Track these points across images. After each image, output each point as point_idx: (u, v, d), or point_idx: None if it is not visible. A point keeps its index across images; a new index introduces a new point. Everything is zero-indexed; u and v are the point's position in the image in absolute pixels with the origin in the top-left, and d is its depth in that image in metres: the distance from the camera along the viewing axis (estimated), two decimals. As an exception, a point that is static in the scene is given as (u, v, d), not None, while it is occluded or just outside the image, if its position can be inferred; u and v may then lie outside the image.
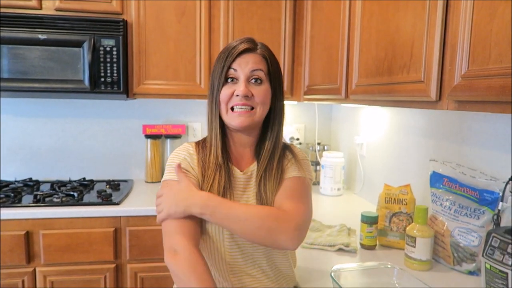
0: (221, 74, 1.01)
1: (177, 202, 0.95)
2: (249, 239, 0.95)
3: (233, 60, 1.00)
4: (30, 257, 1.76)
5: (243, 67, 1.00)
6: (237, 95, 0.99)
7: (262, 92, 1.01)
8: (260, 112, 1.02)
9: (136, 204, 1.88)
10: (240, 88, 0.99)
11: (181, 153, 1.06)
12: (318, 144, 2.48)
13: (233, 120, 1.00)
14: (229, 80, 1.01)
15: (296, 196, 1.02)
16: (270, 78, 1.03)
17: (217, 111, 1.03)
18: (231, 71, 1.00)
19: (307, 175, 1.08)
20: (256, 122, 1.03)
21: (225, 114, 1.02)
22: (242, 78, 1.00)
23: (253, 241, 0.96)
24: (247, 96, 0.99)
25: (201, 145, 1.08)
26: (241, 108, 0.99)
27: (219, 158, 1.02)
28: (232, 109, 1.00)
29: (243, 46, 1.00)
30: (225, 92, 1.00)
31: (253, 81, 1.01)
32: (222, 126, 1.05)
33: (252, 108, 1.01)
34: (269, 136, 1.06)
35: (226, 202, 0.95)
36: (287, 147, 1.13)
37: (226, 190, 1.01)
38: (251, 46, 1.02)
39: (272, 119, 1.06)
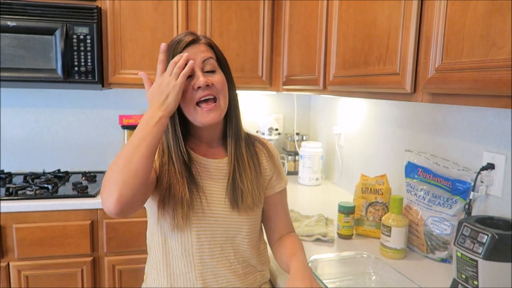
0: None
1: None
2: None
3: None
4: (3, 251, 1.72)
5: (194, 59, 0.96)
6: (199, 87, 0.95)
7: (219, 79, 0.99)
8: (223, 100, 1.00)
9: (113, 196, 1.84)
10: (199, 78, 0.95)
11: None
12: (297, 134, 2.49)
13: (203, 117, 0.97)
14: None
15: (288, 213, 1.18)
16: (221, 65, 1.03)
17: (176, 111, 0.98)
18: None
19: (285, 180, 1.15)
20: (223, 114, 1.01)
21: (192, 112, 0.98)
22: (197, 69, 0.96)
23: None
24: (208, 86, 0.96)
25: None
26: (207, 102, 0.97)
27: (182, 158, 0.99)
28: (198, 105, 0.97)
29: (187, 39, 0.98)
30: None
31: (206, 72, 0.98)
32: (185, 124, 1.03)
33: (215, 100, 0.98)
34: (228, 126, 1.05)
35: None
36: (257, 139, 1.14)
37: (192, 185, 0.99)
38: (194, 38, 0.99)
39: (229, 108, 1.04)
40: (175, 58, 0.92)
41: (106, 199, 0.81)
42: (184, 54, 0.93)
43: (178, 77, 0.90)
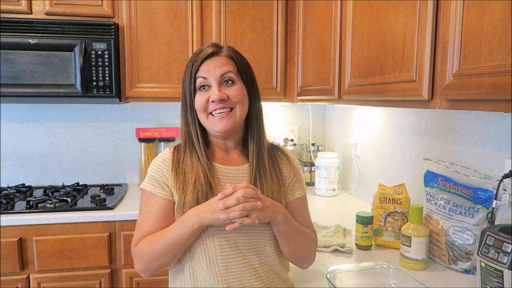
0: (190, 82, 1.01)
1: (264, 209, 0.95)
2: (297, 252, 1.07)
3: (199, 67, 1.00)
4: (23, 264, 1.74)
5: (212, 72, 0.99)
6: (213, 101, 0.99)
7: (237, 91, 1.01)
8: (240, 111, 1.02)
9: (130, 209, 1.86)
10: (214, 93, 0.98)
11: (156, 161, 1.06)
12: (313, 144, 2.48)
13: (215, 125, 1.00)
14: (201, 89, 1.01)
15: (308, 217, 1.17)
16: (242, 76, 1.04)
17: (195, 119, 1.03)
18: (201, 80, 1.00)
19: (305, 188, 1.16)
20: (237, 123, 1.03)
21: (205, 120, 1.02)
22: (213, 83, 1.00)
23: (296, 254, 1.07)
24: (223, 100, 0.99)
25: (177, 149, 1.08)
26: (221, 112, 0.99)
27: (203, 164, 1.01)
28: (211, 114, 1.01)
29: (207, 51, 1.01)
30: (199, 99, 1.00)
31: (225, 83, 1.01)
32: (202, 133, 1.05)
33: (231, 109, 1.01)
34: (250, 136, 1.07)
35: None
36: (277, 148, 1.15)
37: (208, 190, 0.99)
38: (215, 50, 1.02)
39: (250, 117, 1.06)
40: (247, 205, 0.91)
41: (137, 270, 1.04)
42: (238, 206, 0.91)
43: (223, 216, 0.90)
